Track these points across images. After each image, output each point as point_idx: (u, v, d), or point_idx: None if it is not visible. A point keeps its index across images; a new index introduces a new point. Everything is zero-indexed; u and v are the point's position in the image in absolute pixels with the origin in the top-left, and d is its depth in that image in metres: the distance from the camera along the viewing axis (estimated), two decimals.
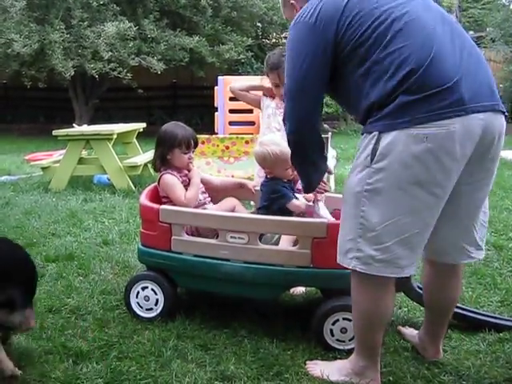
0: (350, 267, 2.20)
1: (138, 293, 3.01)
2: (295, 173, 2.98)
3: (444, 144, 1.99)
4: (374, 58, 2.08)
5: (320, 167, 2.51)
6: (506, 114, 2.16)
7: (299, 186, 3.04)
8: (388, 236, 2.09)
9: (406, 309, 3.15)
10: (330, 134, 6.28)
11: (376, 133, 2.06)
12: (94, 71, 12.31)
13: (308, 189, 2.61)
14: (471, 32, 21.39)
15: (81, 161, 7.06)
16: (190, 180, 3.20)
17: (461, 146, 2.01)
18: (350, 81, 2.20)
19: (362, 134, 2.18)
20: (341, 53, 2.16)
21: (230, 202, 3.26)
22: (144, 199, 3.08)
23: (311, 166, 2.48)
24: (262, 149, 2.96)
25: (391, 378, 2.41)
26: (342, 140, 12.08)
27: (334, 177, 6.17)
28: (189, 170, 3.22)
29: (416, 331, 2.75)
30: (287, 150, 2.84)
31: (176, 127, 3.21)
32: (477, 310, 3.03)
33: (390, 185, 2.06)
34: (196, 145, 3.24)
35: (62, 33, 12.04)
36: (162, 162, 3.17)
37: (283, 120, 2.39)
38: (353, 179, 2.17)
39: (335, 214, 2.75)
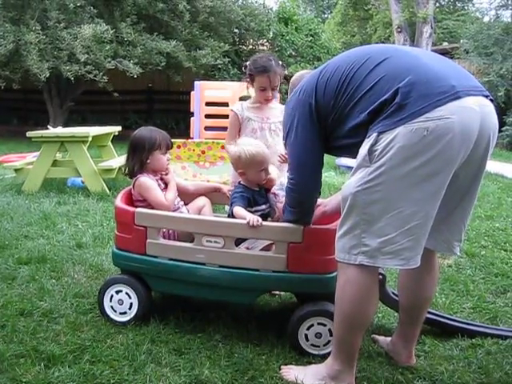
0: (356, 263, 2.21)
1: (112, 296, 2.99)
2: (269, 177, 2.98)
3: (444, 135, 2.03)
4: (360, 88, 2.19)
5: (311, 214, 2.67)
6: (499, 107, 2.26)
7: (274, 190, 3.03)
8: (392, 227, 2.13)
9: (380, 315, 3.16)
10: None
11: (374, 134, 2.11)
12: (69, 73, 12.14)
13: None
14: (445, 43, 21.67)
15: (55, 163, 7.00)
16: (166, 183, 3.21)
17: (460, 138, 2.06)
18: (343, 124, 2.28)
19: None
20: (330, 108, 2.30)
21: (199, 201, 3.32)
22: (119, 202, 3.05)
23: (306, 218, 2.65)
24: (238, 148, 2.95)
25: (365, 383, 2.42)
26: None
27: None
28: (167, 173, 3.22)
29: (389, 338, 2.77)
30: (264, 152, 2.87)
31: (151, 131, 3.22)
32: (450, 316, 3.07)
33: (390, 179, 2.10)
34: (172, 146, 3.27)
35: (38, 34, 11.87)
36: (140, 167, 3.15)
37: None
38: (352, 179, 2.21)
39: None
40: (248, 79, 3.62)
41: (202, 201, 3.31)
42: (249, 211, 2.82)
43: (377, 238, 2.16)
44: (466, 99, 2.07)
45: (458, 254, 2.51)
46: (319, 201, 2.76)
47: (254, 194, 2.96)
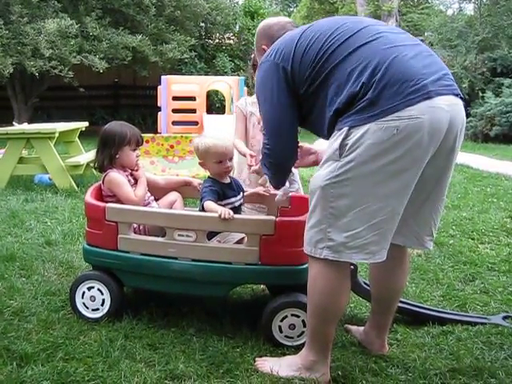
0: (322, 257, 2.22)
1: (84, 293, 2.96)
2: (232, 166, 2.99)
3: (414, 135, 2.06)
4: (337, 69, 2.18)
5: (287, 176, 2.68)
6: (464, 99, 2.29)
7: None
8: (358, 222, 2.15)
9: (352, 305, 3.19)
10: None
11: (345, 128, 2.12)
12: (33, 69, 11.94)
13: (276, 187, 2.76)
14: None
15: (21, 160, 6.88)
16: (136, 178, 3.19)
17: (429, 137, 2.08)
18: (316, 100, 2.28)
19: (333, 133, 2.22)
20: (304, 78, 2.28)
21: (171, 196, 3.30)
22: (89, 197, 3.02)
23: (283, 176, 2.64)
24: (198, 140, 2.98)
25: (340, 373, 2.44)
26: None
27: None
28: (137, 169, 3.20)
29: (362, 327, 2.79)
30: (222, 145, 2.89)
31: (122, 126, 3.19)
32: (421, 304, 3.11)
33: (358, 175, 2.11)
34: (142, 142, 3.25)
35: (0, 28, 11.65)
36: (110, 161, 3.12)
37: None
38: (321, 173, 2.21)
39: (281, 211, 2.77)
40: (252, 70, 3.64)
41: (174, 196, 3.29)
42: (219, 205, 2.82)
43: (342, 232, 2.17)
44: (436, 99, 2.09)
45: (431, 248, 2.53)
46: (310, 146, 2.80)
47: (223, 187, 2.96)
